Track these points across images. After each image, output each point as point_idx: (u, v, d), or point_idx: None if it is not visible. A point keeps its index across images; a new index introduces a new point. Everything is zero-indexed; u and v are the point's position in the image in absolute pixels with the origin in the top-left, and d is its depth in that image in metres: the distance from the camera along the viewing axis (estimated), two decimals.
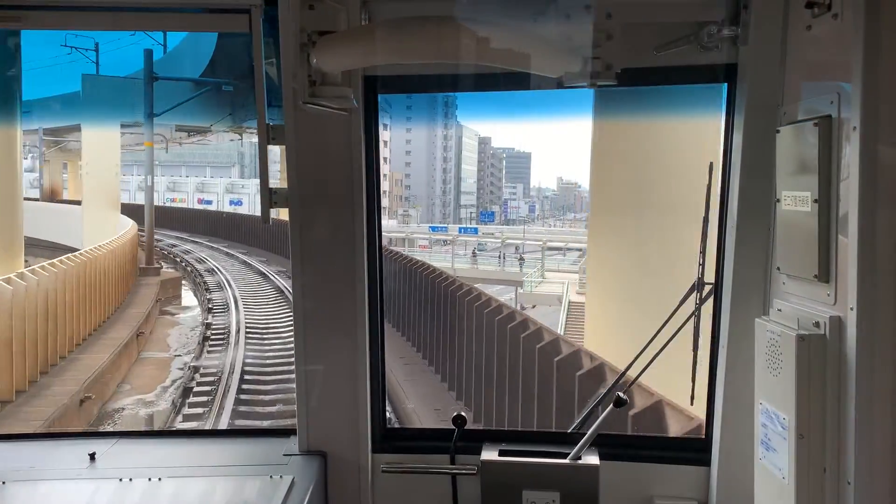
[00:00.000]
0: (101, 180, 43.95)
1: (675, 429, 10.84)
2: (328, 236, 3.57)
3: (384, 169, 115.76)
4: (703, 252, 3.73)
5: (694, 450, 3.62)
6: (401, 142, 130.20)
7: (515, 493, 3.56)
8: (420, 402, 19.26)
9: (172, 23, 3.59)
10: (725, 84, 3.31)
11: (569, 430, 3.89)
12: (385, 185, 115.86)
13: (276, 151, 3.40)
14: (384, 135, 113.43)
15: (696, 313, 3.67)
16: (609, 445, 3.63)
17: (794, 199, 2.84)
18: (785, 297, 3.01)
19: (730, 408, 3.38)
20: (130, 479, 3.43)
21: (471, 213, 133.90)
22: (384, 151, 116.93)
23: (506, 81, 3.58)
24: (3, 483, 3.40)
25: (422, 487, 3.72)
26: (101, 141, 44.85)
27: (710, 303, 3.56)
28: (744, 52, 3.15)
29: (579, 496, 3.53)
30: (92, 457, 3.69)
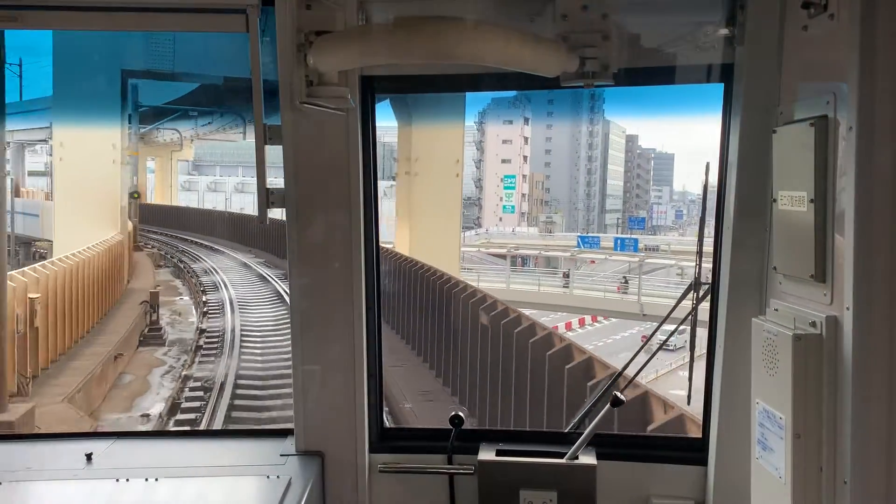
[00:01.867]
0: (87, 171, 30.71)
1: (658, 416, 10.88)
2: (326, 237, 3.57)
3: (524, 169, 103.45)
4: (699, 252, 3.74)
5: (691, 449, 3.63)
6: (540, 139, 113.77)
7: (513, 493, 3.56)
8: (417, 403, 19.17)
9: (169, 23, 3.58)
10: (722, 84, 3.32)
11: (566, 430, 3.89)
12: (524, 188, 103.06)
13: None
14: (525, 130, 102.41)
15: (693, 313, 3.67)
16: (606, 445, 3.63)
17: (791, 199, 2.85)
18: (781, 296, 3.01)
19: (727, 407, 3.38)
20: (127, 480, 3.42)
21: (617, 219, 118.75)
22: (524, 149, 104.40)
23: (503, 81, 3.58)
24: (0, 483, 3.39)
25: (419, 487, 3.72)
26: None
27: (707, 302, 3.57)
28: (740, 52, 3.16)
29: (576, 496, 3.53)
30: (89, 457, 3.68)
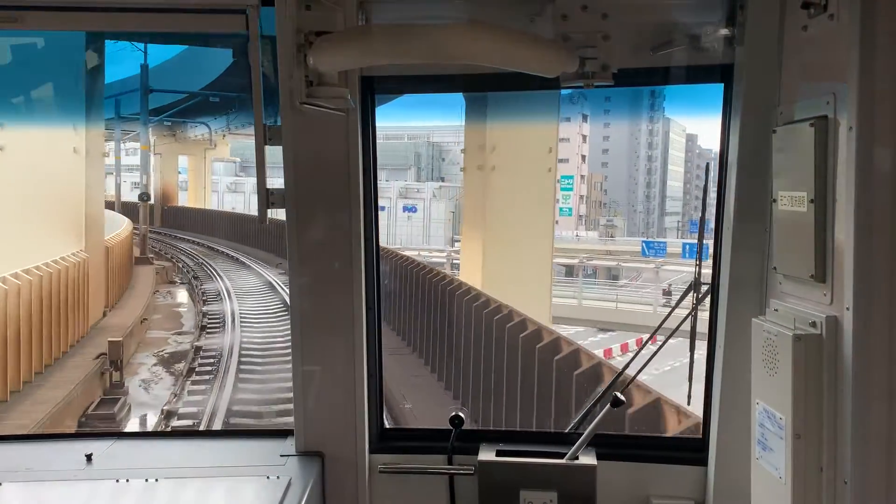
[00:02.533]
0: (35, 164, 21.45)
1: (671, 427, 10.85)
2: (326, 237, 3.57)
3: (582, 169, 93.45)
4: (699, 252, 3.74)
5: (691, 449, 3.63)
6: (598, 138, 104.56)
7: (513, 493, 3.56)
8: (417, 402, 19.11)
9: (169, 23, 3.59)
10: (722, 84, 3.32)
11: (566, 430, 3.89)
12: (582, 189, 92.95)
13: None
14: (584, 128, 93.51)
15: (693, 313, 3.67)
16: (606, 445, 3.64)
17: (791, 199, 2.85)
18: (781, 296, 3.01)
19: (727, 408, 3.38)
20: (127, 480, 3.42)
21: (677, 222, 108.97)
22: (583, 148, 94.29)
23: (503, 82, 3.58)
24: (0, 484, 3.39)
25: (419, 488, 3.72)
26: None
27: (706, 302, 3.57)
28: (740, 53, 3.16)
29: (577, 496, 3.53)
30: (89, 458, 3.68)
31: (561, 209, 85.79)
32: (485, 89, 3.74)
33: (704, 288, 3.60)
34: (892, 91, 2.46)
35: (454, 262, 38.79)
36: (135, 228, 38.28)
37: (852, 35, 2.49)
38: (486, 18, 3.03)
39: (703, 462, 3.53)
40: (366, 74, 3.46)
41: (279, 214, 3.47)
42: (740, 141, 3.19)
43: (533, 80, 3.09)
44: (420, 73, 3.59)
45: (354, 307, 3.60)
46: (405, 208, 72.96)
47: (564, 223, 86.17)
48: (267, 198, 3.35)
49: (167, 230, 51.35)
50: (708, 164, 3.53)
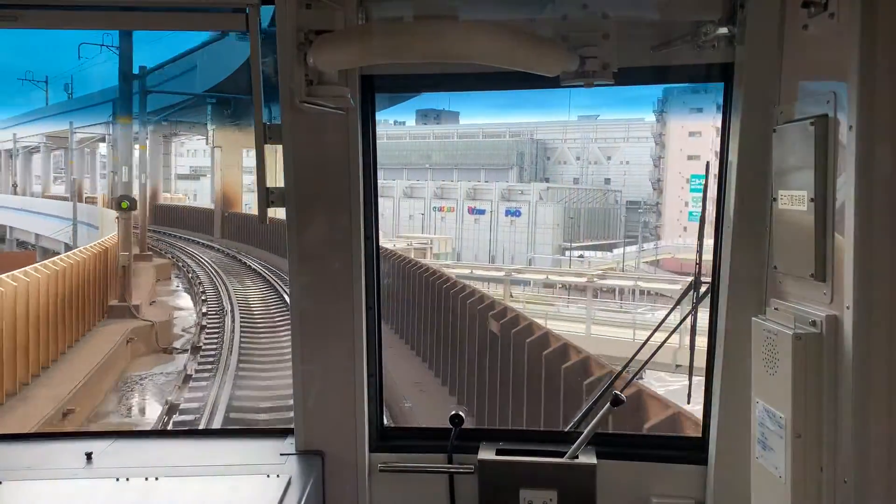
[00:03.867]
0: None
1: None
2: (326, 236, 3.57)
3: (715, 167, 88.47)
4: (699, 251, 3.74)
5: (691, 449, 3.63)
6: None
7: (513, 492, 3.56)
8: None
9: (170, 22, 3.59)
10: (722, 83, 3.32)
11: (566, 430, 3.89)
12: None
13: None
14: (717, 120, 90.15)
15: (693, 312, 3.68)
16: (606, 444, 3.64)
17: (791, 198, 2.85)
18: (782, 295, 3.01)
19: (727, 407, 3.38)
20: (127, 479, 3.42)
21: None
22: (717, 143, 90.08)
23: (503, 81, 3.59)
24: (0, 483, 3.39)
25: (419, 487, 3.72)
26: None
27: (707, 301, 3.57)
28: (740, 52, 3.16)
29: (577, 495, 3.53)
30: (88, 456, 3.68)
31: (690, 213, 74.27)
32: (485, 88, 3.74)
33: (705, 286, 3.60)
34: (892, 90, 2.46)
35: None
36: (137, 227, 31.94)
37: (853, 34, 2.49)
38: (486, 17, 3.03)
39: (704, 461, 3.53)
40: (366, 73, 3.46)
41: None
42: (740, 140, 3.19)
43: (534, 80, 3.09)
44: (420, 72, 3.59)
45: (354, 306, 3.60)
46: (508, 212, 66.05)
47: (693, 229, 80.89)
48: (267, 197, 3.35)
49: (226, 245, 43.72)
50: (708, 163, 3.54)
